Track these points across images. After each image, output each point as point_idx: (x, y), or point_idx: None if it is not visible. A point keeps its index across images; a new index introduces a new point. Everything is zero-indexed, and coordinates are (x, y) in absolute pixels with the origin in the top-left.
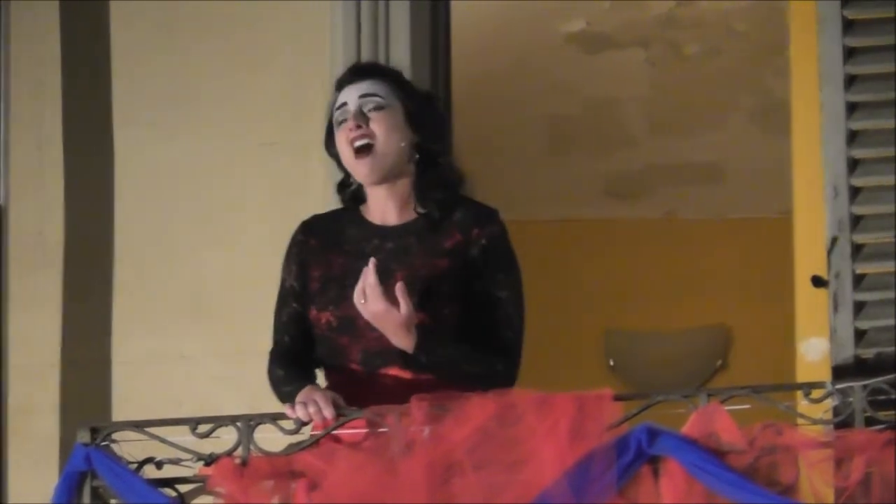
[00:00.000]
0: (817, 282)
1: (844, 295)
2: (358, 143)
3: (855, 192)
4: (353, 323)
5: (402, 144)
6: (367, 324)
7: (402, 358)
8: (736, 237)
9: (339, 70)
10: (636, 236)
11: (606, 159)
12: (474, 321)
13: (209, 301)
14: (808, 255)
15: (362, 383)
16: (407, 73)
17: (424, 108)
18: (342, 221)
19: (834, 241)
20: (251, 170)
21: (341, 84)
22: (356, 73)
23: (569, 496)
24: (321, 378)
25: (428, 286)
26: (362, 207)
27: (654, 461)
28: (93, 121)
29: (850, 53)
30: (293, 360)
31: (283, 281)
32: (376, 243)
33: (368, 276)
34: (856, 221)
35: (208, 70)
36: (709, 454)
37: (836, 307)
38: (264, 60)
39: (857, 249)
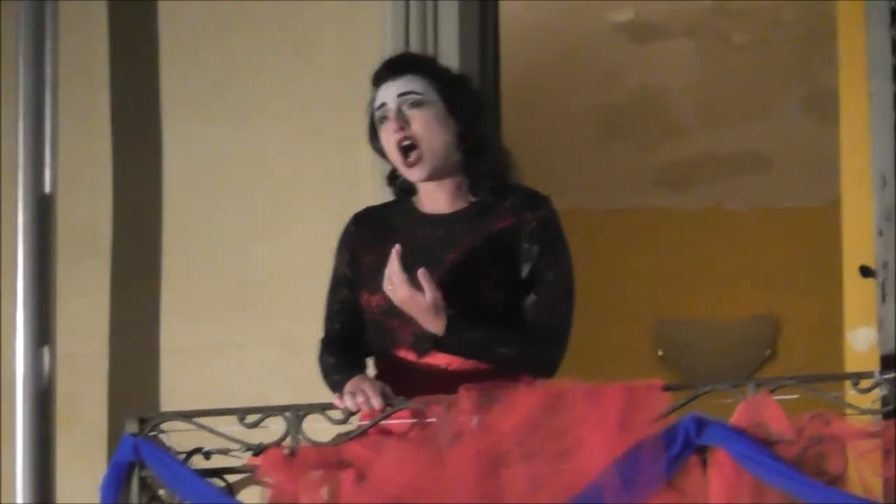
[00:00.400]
0: (865, 272)
1: (892, 285)
2: (403, 144)
3: None
4: None
5: (447, 139)
6: None
7: (434, 342)
8: (784, 227)
9: None
10: (685, 226)
11: (655, 149)
12: (521, 304)
13: (257, 290)
14: (857, 244)
15: (412, 367)
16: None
17: (463, 96)
18: (394, 212)
19: (881, 230)
20: (299, 159)
21: (378, 80)
22: (392, 68)
23: (617, 486)
24: (371, 366)
25: (477, 268)
26: (413, 198)
27: (702, 451)
28: (141, 111)
29: None
30: (344, 348)
31: (336, 270)
32: (428, 231)
33: (392, 263)
34: None
35: (257, 60)
36: (757, 444)
37: (883, 297)
38: (313, 51)
39: None
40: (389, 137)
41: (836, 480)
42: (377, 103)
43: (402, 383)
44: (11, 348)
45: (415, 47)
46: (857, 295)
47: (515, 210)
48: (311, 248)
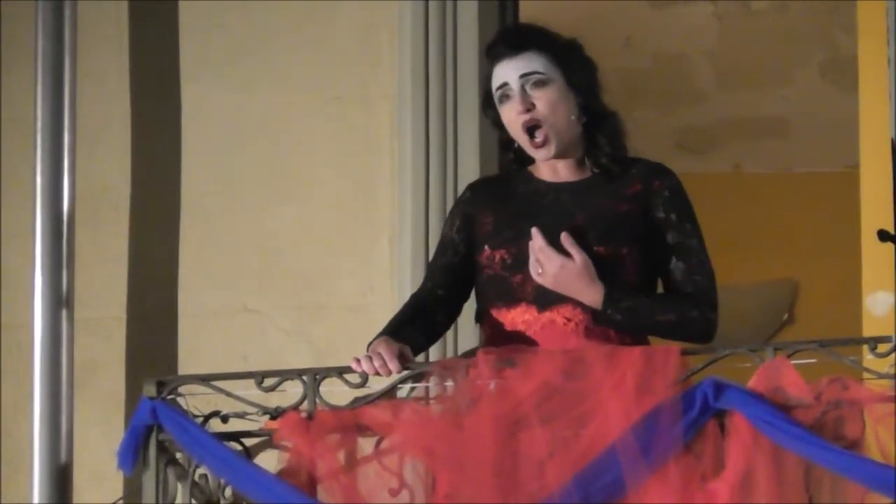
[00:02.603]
0: (883, 236)
1: None
2: (529, 126)
3: None
4: (527, 260)
5: (570, 116)
6: None
7: (591, 315)
8: (803, 191)
9: (408, 25)
10: (704, 190)
11: (675, 113)
12: (659, 272)
13: (276, 254)
14: (875, 209)
15: (532, 322)
16: (474, 32)
17: (580, 67)
18: (511, 182)
19: None
20: (318, 123)
21: (496, 56)
22: (511, 45)
23: (635, 450)
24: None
25: (609, 225)
26: (531, 168)
27: (720, 415)
28: (161, 75)
29: None
30: (426, 305)
31: (444, 235)
32: (552, 197)
33: (537, 241)
34: None
35: (276, 23)
36: (775, 408)
37: None
38: (332, 14)
39: None
40: (514, 118)
41: (854, 445)
42: (497, 82)
43: (521, 338)
44: (30, 312)
45: (434, 9)
46: (876, 259)
47: (644, 177)
48: (330, 212)
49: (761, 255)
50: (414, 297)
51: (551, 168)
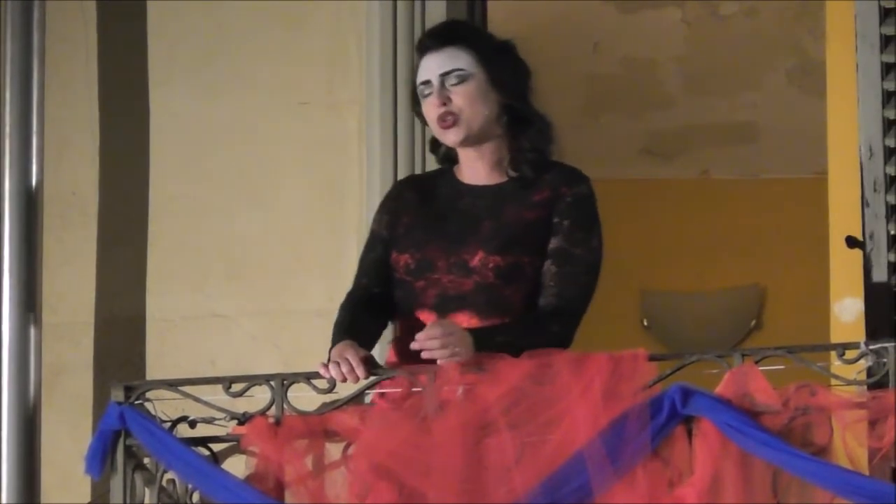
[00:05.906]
0: (851, 242)
1: (879, 255)
2: (445, 120)
3: (890, 153)
4: (430, 266)
5: (486, 112)
6: (444, 268)
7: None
8: (771, 197)
9: (376, 30)
10: (672, 196)
11: (643, 119)
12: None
13: (243, 260)
14: (843, 215)
15: None
16: None
17: (506, 67)
18: (436, 182)
19: (868, 201)
20: (286, 129)
21: (422, 50)
22: (436, 38)
23: (603, 456)
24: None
25: (512, 235)
26: (455, 168)
27: (687, 421)
28: (129, 80)
29: (886, 14)
30: (363, 305)
31: (373, 230)
32: (468, 201)
33: (431, 331)
34: (891, 182)
35: (244, 29)
36: (742, 414)
37: (870, 267)
38: (301, 19)
39: (891, 210)
40: (431, 111)
41: (822, 451)
42: (420, 78)
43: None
44: None
45: (402, 13)
46: (844, 265)
47: (554, 183)
48: (298, 217)
49: (729, 261)
50: (350, 296)
51: (472, 170)
